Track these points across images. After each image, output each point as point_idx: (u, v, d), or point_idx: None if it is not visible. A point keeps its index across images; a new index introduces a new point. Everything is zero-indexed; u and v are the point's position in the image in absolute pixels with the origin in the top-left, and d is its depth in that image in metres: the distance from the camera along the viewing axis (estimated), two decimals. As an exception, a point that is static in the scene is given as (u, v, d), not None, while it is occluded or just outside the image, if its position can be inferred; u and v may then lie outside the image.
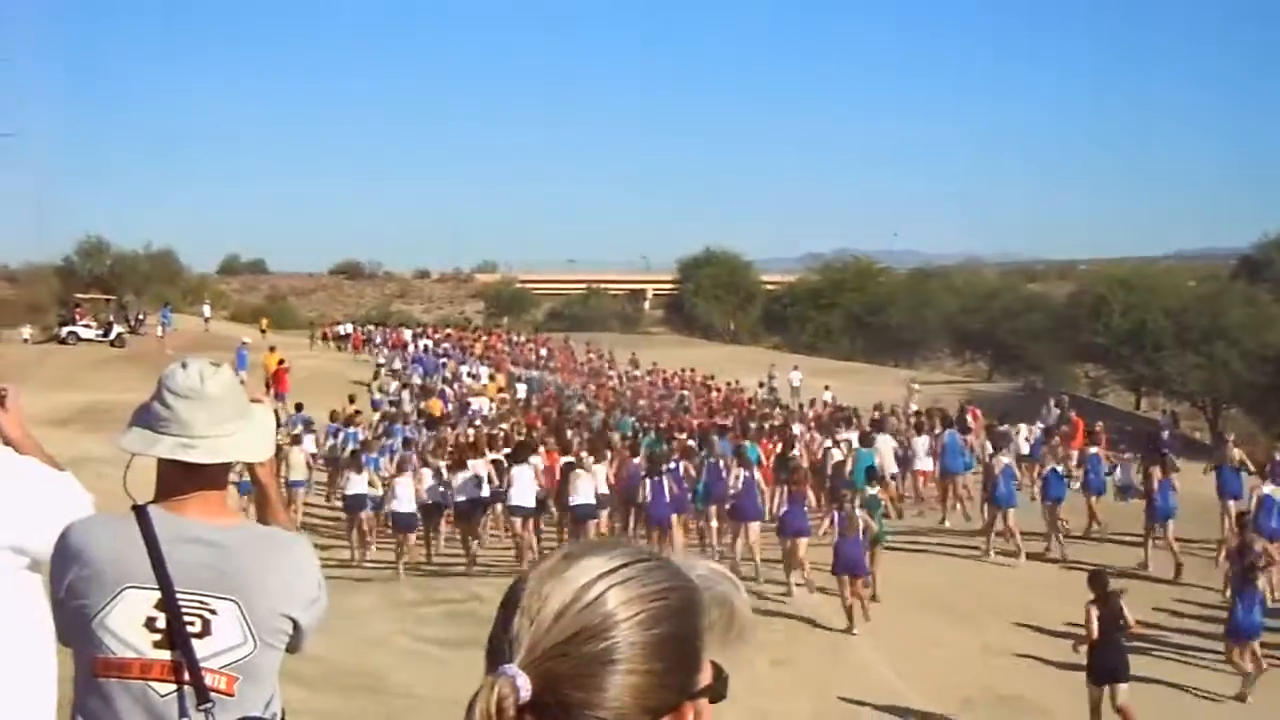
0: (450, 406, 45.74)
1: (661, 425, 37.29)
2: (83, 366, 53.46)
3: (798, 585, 20.52)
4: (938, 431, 28.27)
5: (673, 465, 24.15)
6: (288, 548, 3.37)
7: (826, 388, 49.34)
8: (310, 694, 12.51)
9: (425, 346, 67.70)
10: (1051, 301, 78.81)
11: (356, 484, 25.08)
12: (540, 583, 1.56)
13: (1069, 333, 68.83)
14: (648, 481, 23.14)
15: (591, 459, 24.56)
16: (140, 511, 3.23)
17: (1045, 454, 26.62)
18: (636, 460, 25.16)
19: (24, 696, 3.73)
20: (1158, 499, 22.09)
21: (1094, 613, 14.39)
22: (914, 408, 32.63)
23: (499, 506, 25.39)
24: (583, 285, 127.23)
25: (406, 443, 32.32)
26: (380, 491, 25.31)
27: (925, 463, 28.18)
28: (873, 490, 21.47)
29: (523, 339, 76.53)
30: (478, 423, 39.14)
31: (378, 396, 47.43)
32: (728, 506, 22.95)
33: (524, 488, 23.71)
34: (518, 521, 23.87)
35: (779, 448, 27.62)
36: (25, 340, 66.59)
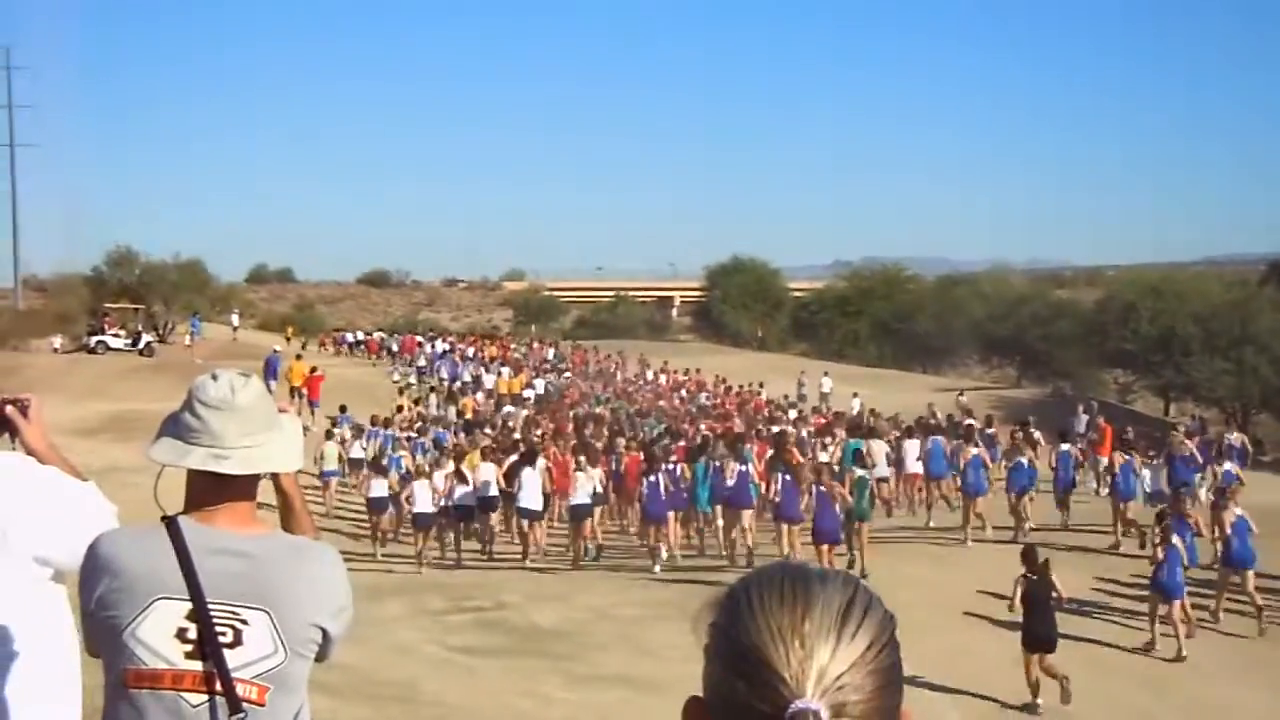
0: (482, 407, 46.65)
1: (681, 428, 38.04)
2: (111, 376, 53.64)
3: None
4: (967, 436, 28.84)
5: (671, 466, 25.81)
6: (317, 557, 3.37)
7: (855, 395, 49.31)
8: (340, 703, 12.53)
9: (443, 350, 67.63)
10: (1080, 307, 78.60)
11: (378, 488, 27.50)
12: (800, 615, 1.62)
13: (1097, 339, 68.72)
14: (644, 480, 24.96)
15: (584, 459, 26.39)
16: (171, 523, 3.23)
17: (1009, 449, 28.31)
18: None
19: (49, 707, 3.74)
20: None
21: (1021, 586, 16.10)
22: (969, 421, 32.66)
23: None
24: (611, 293, 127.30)
25: (436, 445, 33.78)
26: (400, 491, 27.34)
27: (915, 467, 29.68)
28: (861, 471, 23.63)
29: (535, 344, 76.59)
30: (510, 424, 40.19)
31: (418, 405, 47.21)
32: (725, 499, 24.79)
33: (532, 491, 25.80)
34: (525, 522, 26.12)
35: (770, 451, 28.03)
36: (55, 350, 66.92)
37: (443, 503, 26.39)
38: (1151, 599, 18.82)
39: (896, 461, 30.20)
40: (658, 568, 24.09)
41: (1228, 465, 25.87)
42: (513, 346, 74.88)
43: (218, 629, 3.14)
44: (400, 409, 43.29)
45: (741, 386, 52.71)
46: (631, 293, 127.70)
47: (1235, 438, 26.80)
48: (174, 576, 3.16)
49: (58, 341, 68.33)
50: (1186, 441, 26.81)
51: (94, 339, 65.56)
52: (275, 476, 3.54)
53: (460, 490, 26.62)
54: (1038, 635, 15.89)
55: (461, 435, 36.08)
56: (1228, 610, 20.06)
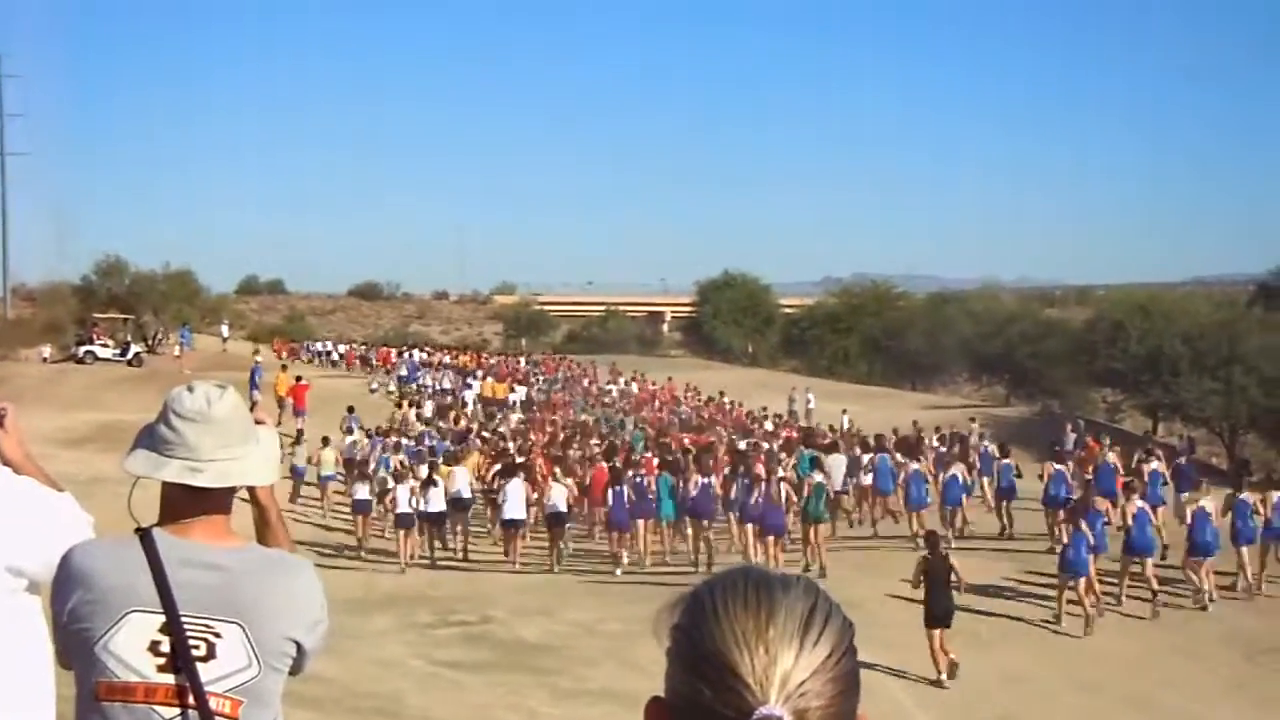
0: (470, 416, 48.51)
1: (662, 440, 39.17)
2: (100, 386, 53.58)
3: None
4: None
5: (639, 477, 27.28)
6: (292, 571, 3.34)
7: (844, 411, 49.33)
8: (324, 717, 12.50)
9: (420, 361, 68.77)
10: (1069, 326, 78.72)
11: (360, 490, 29.61)
12: (764, 621, 1.64)
13: (1086, 358, 68.78)
14: (610, 490, 26.84)
15: (560, 470, 29.05)
16: (145, 535, 3.21)
17: (947, 461, 30.38)
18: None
19: (25, 715, 3.72)
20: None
21: (921, 567, 18.07)
22: (987, 445, 33.38)
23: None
24: (601, 307, 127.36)
25: (432, 452, 35.05)
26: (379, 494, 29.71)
27: (865, 479, 30.83)
28: (819, 478, 25.60)
29: (512, 356, 77.36)
30: (501, 428, 43.24)
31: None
32: (688, 509, 26.65)
33: (515, 501, 27.30)
34: (511, 531, 27.58)
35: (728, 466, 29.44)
36: (43, 359, 66.87)
37: (417, 505, 27.93)
38: (1060, 578, 20.87)
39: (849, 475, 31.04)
40: (619, 571, 25.79)
41: (1155, 464, 27.78)
42: (485, 356, 76.50)
43: (191, 642, 3.11)
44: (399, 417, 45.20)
45: (713, 398, 54.14)
46: (622, 307, 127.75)
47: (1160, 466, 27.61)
48: (147, 589, 3.14)
49: (46, 351, 68.31)
50: (1110, 453, 28.83)
51: (82, 349, 65.60)
52: (251, 489, 3.52)
53: (433, 494, 28.15)
54: (935, 612, 17.57)
55: (455, 445, 37.53)
56: (1130, 596, 21.82)
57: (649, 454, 33.20)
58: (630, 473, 27.62)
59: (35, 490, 3.85)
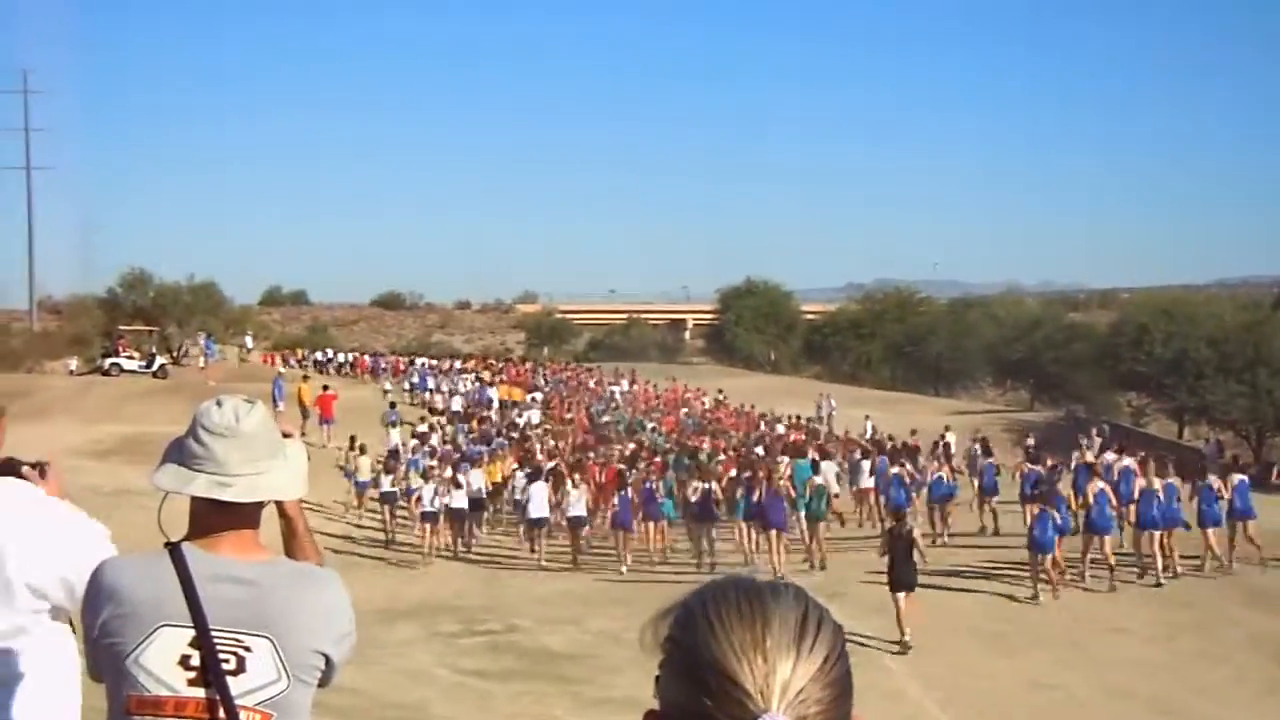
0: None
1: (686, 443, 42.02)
2: (125, 398, 53.69)
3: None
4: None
5: (648, 481, 29.48)
6: (320, 584, 3.35)
7: (867, 417, 49.30)
8: (350, 727, 12.50)
9: (426, 365, 71.18)
10: (1093, 330, 78.55)
11: (385, 483, 32.69)
12: (760, 631, 1.67)
13: (1111, 362, 68.56)
14: (617, 494, 28.89)
15: (578, 476, 30.41)
16: (174, 549, 3.23)
17: (929, 465, 32.85)
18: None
19: None
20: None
21: (886, 539, 20.42)
22: (977, 447, 34.38)
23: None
24: (623, 315, 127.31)
25: (464, 456, 36.02)
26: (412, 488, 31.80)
27: (868, 483, 32.72)
28: (819, 480, 27.75)
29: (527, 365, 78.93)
30: (522, 424, 46.74)
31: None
32: (692, 513, 28.50)
33: (539, 502, 29.39)
34: (535, 530, 29.62)
35: (733, 469, 31.75)
36: (69, 372, 67.08)
37: (440, 503, 29.93)
38: (1029, 556, 22.83)
39: (851, 478, 33.71)
40: (624, 569, 27.44)
41: (1128, 461, 28.59)
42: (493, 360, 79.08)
43: (221, 656, 3.13)
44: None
45: (720, 401, 56.94)
46: (644, 315, 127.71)
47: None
48: (178, 603, 3.15)
49: (72, 364, 68.56)
50: (1087, 454, 31.22)
51: (108, 361, 65.74)
52: (279, 502, 3.53)
53: (456, 493, 30.22)
54: (898, 579, 19.42)
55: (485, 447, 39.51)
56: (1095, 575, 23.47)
57: (657, 457, 35.69)
58: (641, 476, 30.11)
59: (66, 514, 3.87)
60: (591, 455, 37.11)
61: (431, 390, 60.59)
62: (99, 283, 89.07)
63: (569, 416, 52.34)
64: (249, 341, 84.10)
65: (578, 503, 29.08)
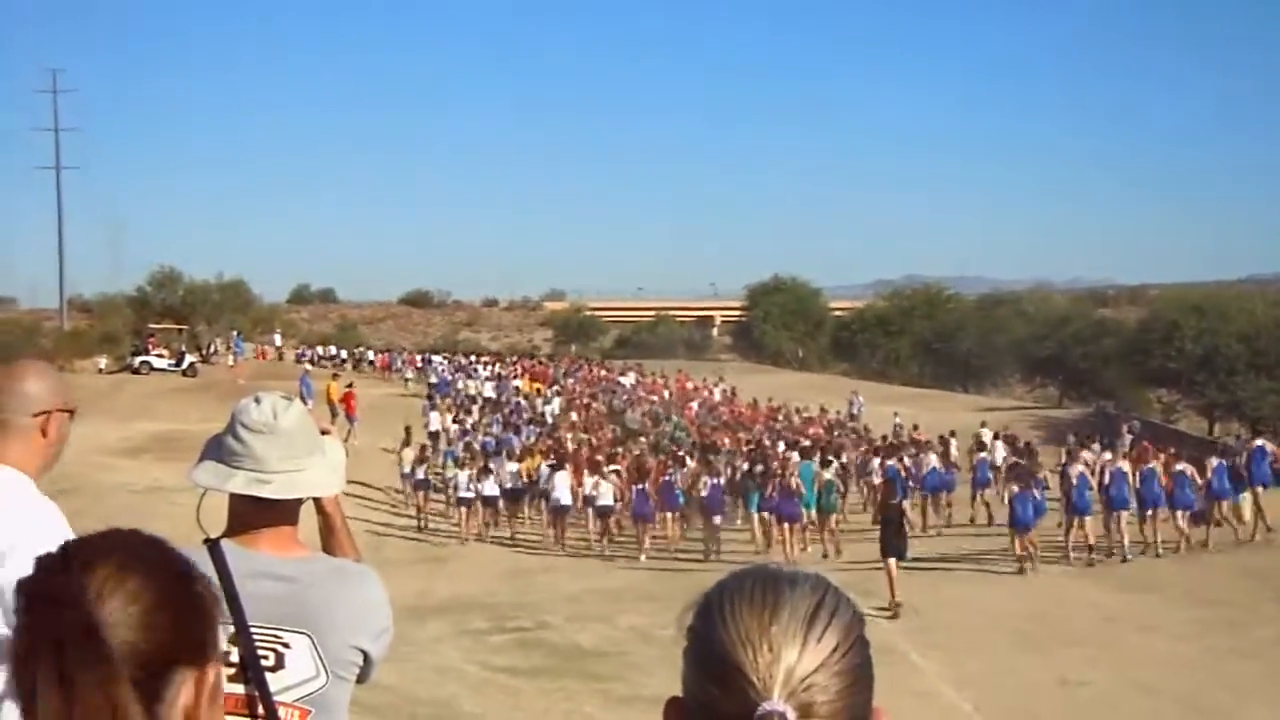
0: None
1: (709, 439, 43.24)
2: (155, 396, 53.97)
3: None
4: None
5: (670, 474, 31.76)
6: (358, 580, 3.37)
7: (896, 414, 49.29)
8: (381, 724, 12.52)
9: (443, 361, 73.42)
10: (1123, 326, 78.20)
11: (419, 472, 35.01)
12: (768, 619, 1.66)
13: (1140, 358, 68.24)
14: (633, 487, 31.42)
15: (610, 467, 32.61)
16: (213, 546, 3.24)
17: (924, 459, 33.91)
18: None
19: None
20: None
21: (879, 508, 23.71)
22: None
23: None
24: (651, 312, 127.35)
25: (499, 446, 39.19)
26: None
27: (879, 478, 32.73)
28: (828, 475, 29.39)
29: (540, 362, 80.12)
30: (548, 421, 49.20)
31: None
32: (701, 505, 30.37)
33: (563, 490, 31.33)
34: (559, 516, 31.72)
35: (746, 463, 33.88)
36: (100, 370, 67.33)
37: (475, 489, 32.54)
38: (1010, 532, 25.18)
39: (861, 474, 36.08)
40: (643, 557, 29.35)
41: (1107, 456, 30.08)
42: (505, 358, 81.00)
43: (259, 652, 3.14)
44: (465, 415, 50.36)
45: (728, 394, 59.39)
46: (672, 312, 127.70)
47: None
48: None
49: (102, 362, 68.81)
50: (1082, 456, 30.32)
51: (138, 359, 66.05)
52: (317, 499, 3.53)
53: (489, 481, 32.79)
54: (889, 546, 21.93)
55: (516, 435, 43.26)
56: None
57: (680, 451, 37.74)
58: (662, 468, 32.87)
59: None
60: (620, 450, 38.35)
61: (459, 383, 62.19)
62: (129, 281, 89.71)
63: (593, 407, 54.35)
64: (277, 339, 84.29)
65: (607, 493, 30.90)
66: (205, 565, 3.21)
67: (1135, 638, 19.50)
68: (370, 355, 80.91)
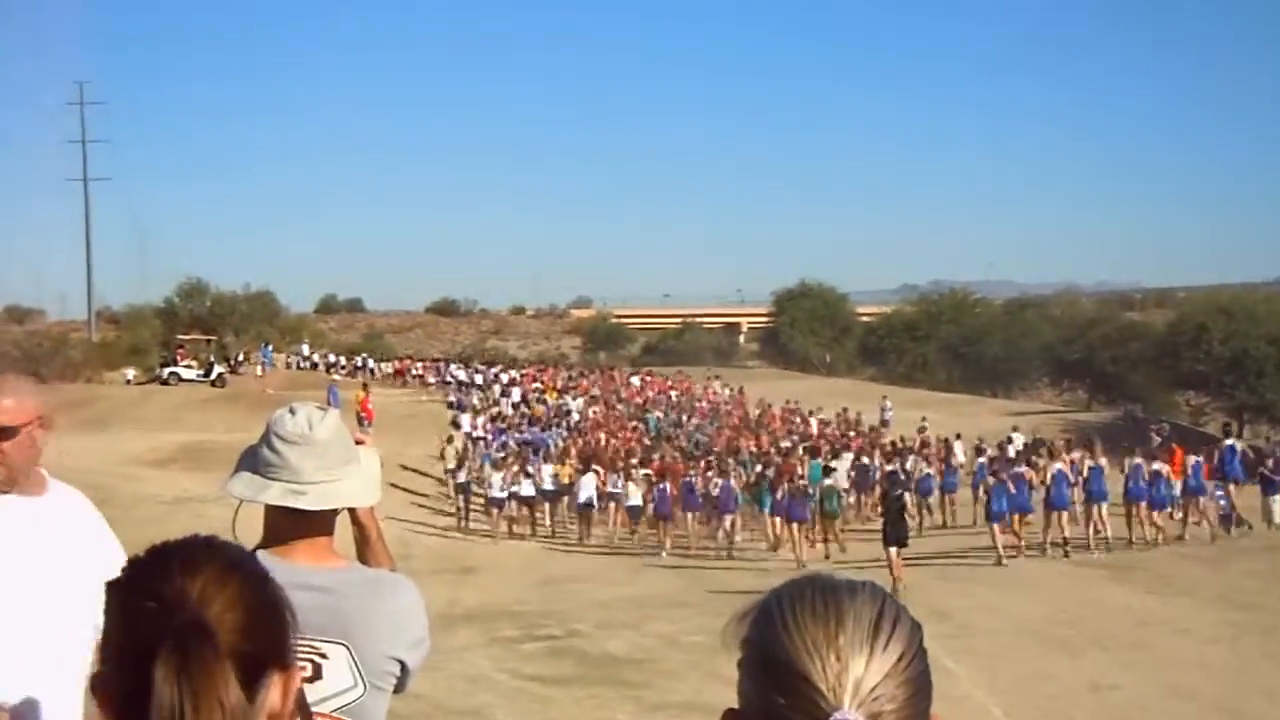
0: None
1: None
2: (184, 406, 54.19)
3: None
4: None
5: (690, 476, 34.03)
6: (395, 590, 3.37)
7: (924, 419, 49.25)
8: (413, 733, 12.54)
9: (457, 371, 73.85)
10: (1151, 330, 78.14)
11: (461, 475, 36.91)
12: (833, 628, 1.66)
13: (1169, 361, 68.18)
14: (654, 487, 33.24)
15: (639, 468, 35.22)
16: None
17: (919, 462, 35.91)
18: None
19: None
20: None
21: (881, 502, 26.74)
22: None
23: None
24: (678, 319, 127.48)
25: (536, 449, 41.14)
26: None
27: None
28: (829, 481, 30.98)
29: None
30: (574, 421, 51.47)
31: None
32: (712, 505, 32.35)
33: (589, 489, 34.20)
34: (585, 513, 34.57)
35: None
36: (128, 381, 67.65)
37: (511, 490, 34.52)
38: (988, 525, 27.30)
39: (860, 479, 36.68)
40: (664, 554, 31.44)
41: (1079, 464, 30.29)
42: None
43: (298, 663, 3.14)
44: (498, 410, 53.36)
45: (734, 394, 61.73)
46: (699, 319, 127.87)
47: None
48: None
49: (131, 373, 69.13)
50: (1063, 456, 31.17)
51: (166, 370, 66.34)
52: (352, 509, 3.54)
53: (525, 481, 34.95)
54: (891, 535, 23.90)
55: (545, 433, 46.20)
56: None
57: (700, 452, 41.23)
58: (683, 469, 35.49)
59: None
60: (657, 455, 39.96)
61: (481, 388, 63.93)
62: (157, 292, 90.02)
63: (617, 408, 56.46)
64: (305, 349, 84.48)
65: (636, 494, 33.57)
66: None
67: (1167, 641, 19.43)
68: (371, 364, 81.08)
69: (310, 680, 3.15)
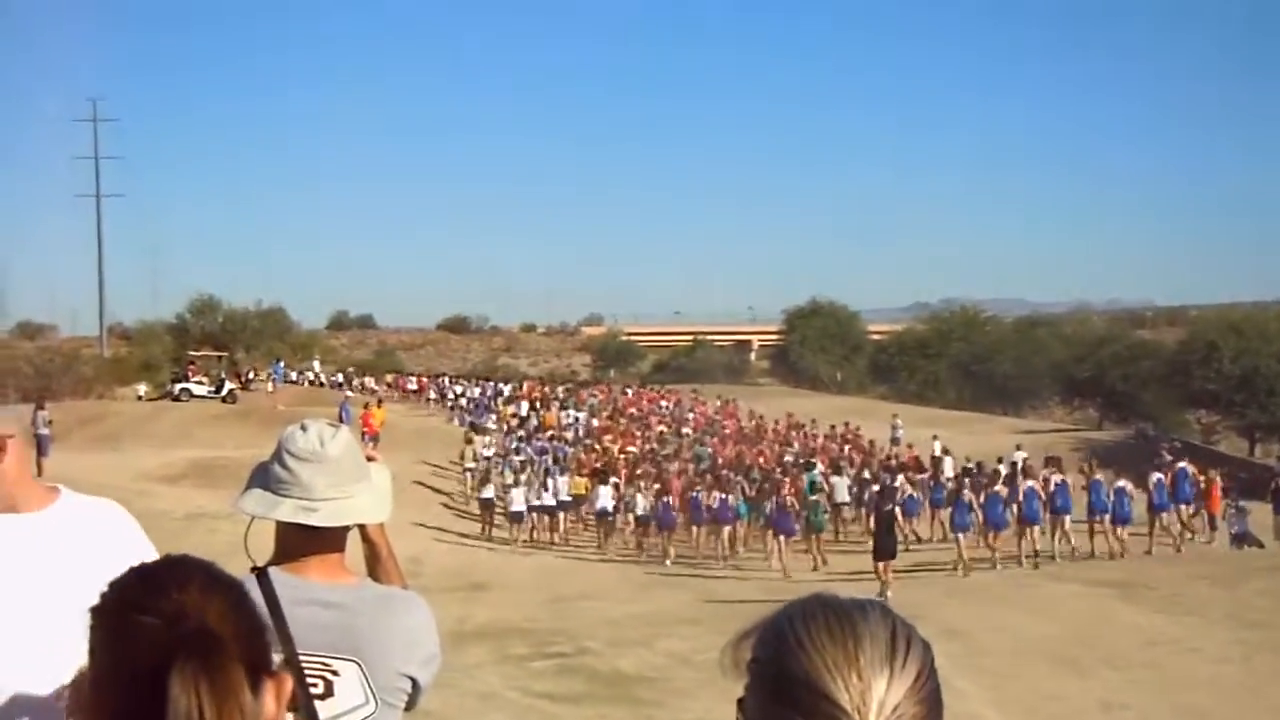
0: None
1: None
2: (195, 423, 54.23)
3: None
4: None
5: (696, 490, 35.32)
6: (406, 607, 3.38)
7: (935, 437, 49.17)
8: (423, 749, 12.51)
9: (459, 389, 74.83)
10: (1162, 348, 78.07)
11: (486, 490, 38.16)
12: (852, 648, 1.68)
13: (1180, 379, 68.10)
14: (659, 500, 35.03)
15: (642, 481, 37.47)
16: (261, 574, 3.25)
17: (903, 481, 36.69)
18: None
19: None
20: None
21: (875, 513, 27.23)
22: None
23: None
24: (689, 337, 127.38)
25: (556, 459, 42.67)
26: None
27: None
28: (814, 496, 33.50)
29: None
30: (581, 433, 53.46)
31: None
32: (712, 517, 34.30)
33: (606, 498, 36.15)
34: (604, 521, 36.61)
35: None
36: (140, 397, 67.71)
37: (533, 503, 36.72)
38: (953, 536, 30.01)
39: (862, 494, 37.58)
40: (668, 562, 33.41)
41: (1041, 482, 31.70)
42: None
43: (309, 680, 3.15)
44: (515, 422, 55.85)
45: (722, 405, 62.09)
46: (710, 336, 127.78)
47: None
48: None
49: (143, 389, 69.21)
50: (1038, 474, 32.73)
51: (178, 386, 66.41)
52: (362, 526, 3.55)
53: (545, 494, 36.99)
54: (881, 548, 25.58)
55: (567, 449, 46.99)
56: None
57: (703, 466, 42.64)
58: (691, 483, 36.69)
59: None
60: (669, 469, 41.29)
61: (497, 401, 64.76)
62: (168, 309, 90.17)
63: (621, 421, 57.44)
64: (316, 366, 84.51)
65: (643, 503, 35.62)
66: (254, 593, 3.23)
67: (1177, 661, 19.39)
68: (357, 380, 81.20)
69: (322, 698, 3.16)
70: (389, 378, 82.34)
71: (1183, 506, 30.86)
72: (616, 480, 37.94)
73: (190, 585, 1.78)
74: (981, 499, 30.11)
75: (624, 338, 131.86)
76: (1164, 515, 30.02)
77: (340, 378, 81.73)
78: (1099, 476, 30.21)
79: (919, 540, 33.99)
